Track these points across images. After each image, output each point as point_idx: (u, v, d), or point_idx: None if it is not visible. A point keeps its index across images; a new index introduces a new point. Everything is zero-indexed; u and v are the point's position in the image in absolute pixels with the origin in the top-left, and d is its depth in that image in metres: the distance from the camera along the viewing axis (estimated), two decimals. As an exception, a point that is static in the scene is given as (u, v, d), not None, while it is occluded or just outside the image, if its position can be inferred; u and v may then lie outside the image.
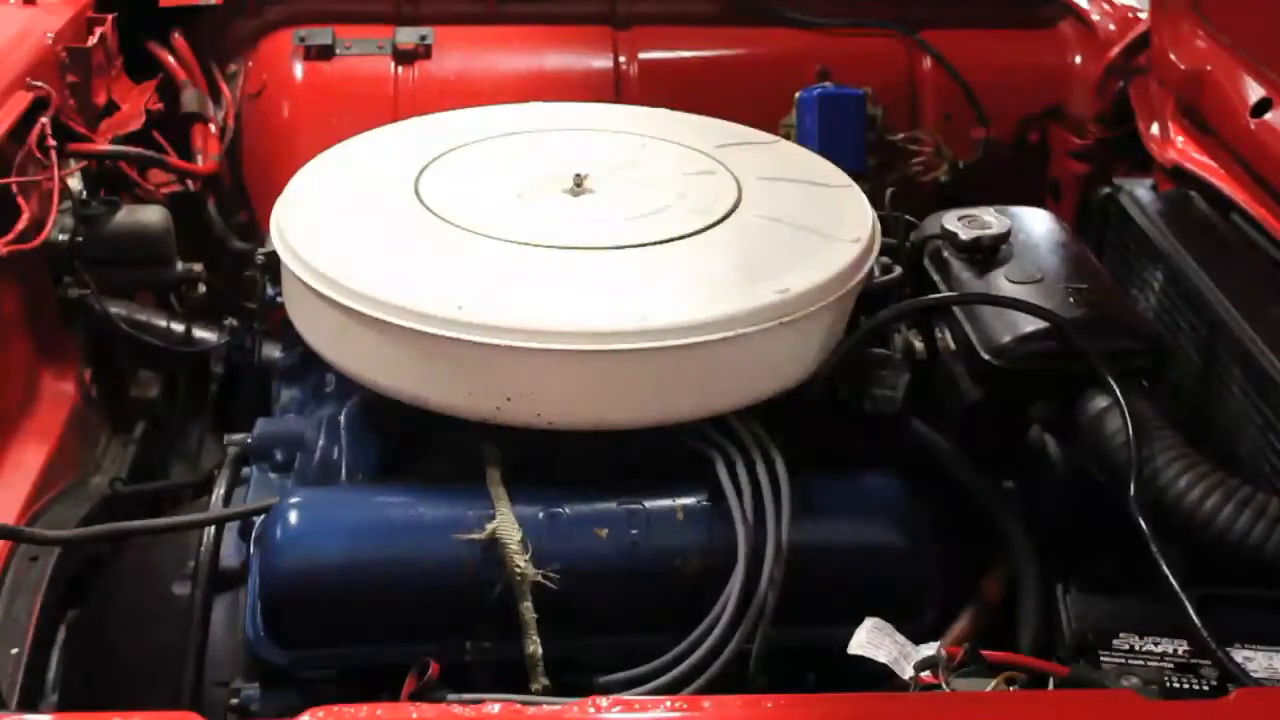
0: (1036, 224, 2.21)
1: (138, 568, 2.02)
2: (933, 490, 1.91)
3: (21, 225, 2.16)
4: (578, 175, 2.07)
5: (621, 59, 3.10)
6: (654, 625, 1.76)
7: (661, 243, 1.93)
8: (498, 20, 3.15)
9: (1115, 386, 1.80)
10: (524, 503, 1.76)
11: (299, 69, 3.06)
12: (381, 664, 1.73)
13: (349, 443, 1.97)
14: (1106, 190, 2.52)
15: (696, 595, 1.74)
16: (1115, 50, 2.92)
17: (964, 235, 2.09)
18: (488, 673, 1.76)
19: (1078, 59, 3.12)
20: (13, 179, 2.19)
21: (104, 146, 2.58)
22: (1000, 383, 1.91)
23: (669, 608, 1.75)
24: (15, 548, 1.91)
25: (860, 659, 1.63)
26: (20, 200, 2.19)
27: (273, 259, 2.04)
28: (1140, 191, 2.44)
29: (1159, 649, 1.64)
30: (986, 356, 1.91)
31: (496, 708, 1.31)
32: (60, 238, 2.33)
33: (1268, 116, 2.27)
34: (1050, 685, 1.59)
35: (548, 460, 1.83)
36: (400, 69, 3.06)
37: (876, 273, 2.05)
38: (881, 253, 2.06)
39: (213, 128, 2.98)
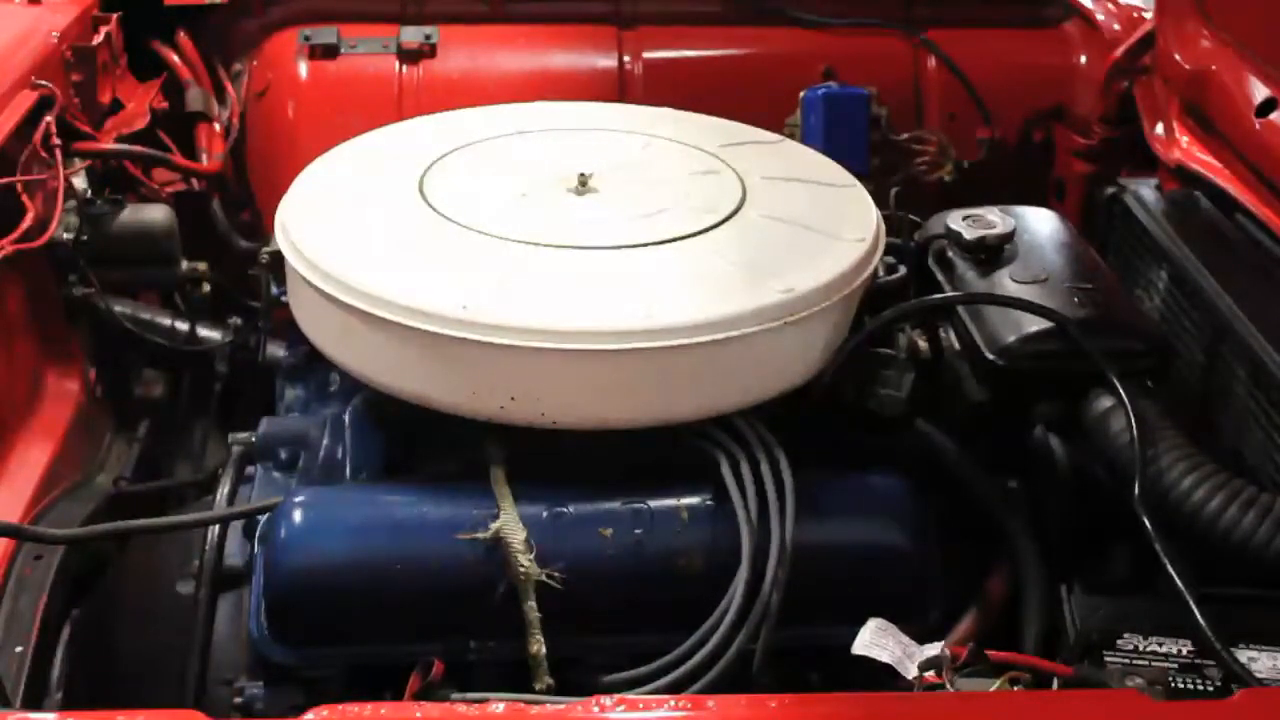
0: (1041, 224, 2.20)
1: (142, 567, 2.02)
2: (937, 490, 1.91)
3: (26, 224, 2.16)
4: (582, 175, 2.07)
5: (626, 58, 3.10)
6: (658, 625, 1.76)
7: (666, 242, 1.93)
8: (502, 19, 3.16)
9: (1120, 386, 1.80)
10: (528, 502, 1.76)
11: (303, 68, 3.06)
12: (386, 663, 1.74)
13: (353, 442, 1.96)
14: (1111, 190, 2.52)
15: (700, 595, 1.74)
16: (1120, 50, 2.91)
17: (968, 235, 2.08)
18: (491, 672, 1.76)
19: (1082, 59, 3.12)
20: (18, 178, 2.19)
21: (109, 145, 2.59)
22: (1004, 382, 1.91)
23: (673, 607, 1.75)
24: (20, 546, 1.91)
25: (864, 659, 1.63)
26: (25, 199, 2.20)
27: (277, 258, 2.04)
28: (1145, 191, 2.44)
29: (1163, 649, 1.64)
30: (991, 356, 1.90)
31: (500, 707, 1.31)
32: (65, 236, 2.33)
33: (1272, 116, 2.27)
34: (1055, 685, 1.59)
35: (552, 459, 1.83)
36: (405, 68, 3.06)
37: (881, 272, 2.05)
38: (886, 252, 2.06)
39: (217, 127, 2.99)
